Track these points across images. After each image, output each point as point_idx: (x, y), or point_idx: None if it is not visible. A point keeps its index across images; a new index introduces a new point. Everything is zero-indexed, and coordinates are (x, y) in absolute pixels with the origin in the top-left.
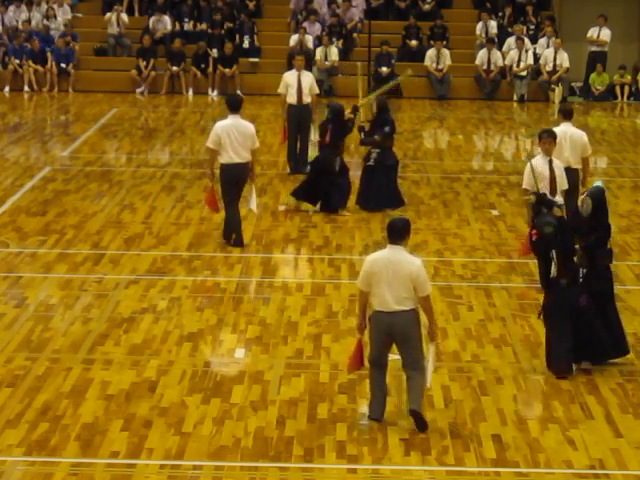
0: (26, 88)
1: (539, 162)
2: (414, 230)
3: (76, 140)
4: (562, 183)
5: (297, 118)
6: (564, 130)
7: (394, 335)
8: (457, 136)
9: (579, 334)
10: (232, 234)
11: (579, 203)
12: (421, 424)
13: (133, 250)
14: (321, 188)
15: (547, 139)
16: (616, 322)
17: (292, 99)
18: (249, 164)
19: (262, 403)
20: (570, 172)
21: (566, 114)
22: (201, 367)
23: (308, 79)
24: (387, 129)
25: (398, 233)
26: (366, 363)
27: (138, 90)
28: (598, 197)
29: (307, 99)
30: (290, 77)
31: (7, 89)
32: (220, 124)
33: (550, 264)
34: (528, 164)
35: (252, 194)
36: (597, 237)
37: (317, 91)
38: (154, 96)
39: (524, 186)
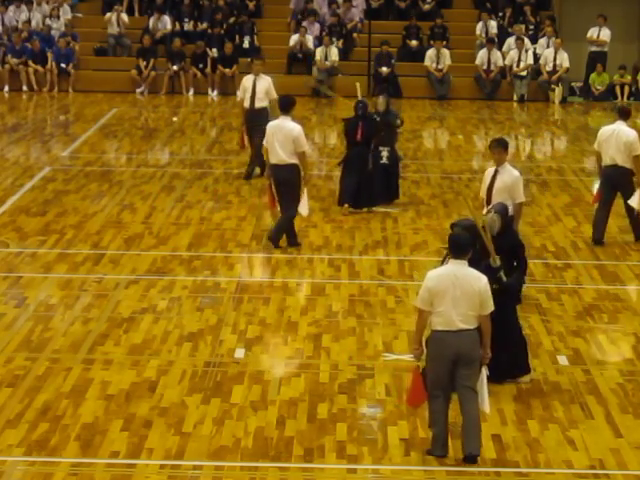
0: (24, 88)
1: (489, 171)
2: (414, 230)
3: (76, 140)
4: (512, 196)
5: (251, 123)
6: (613, 128)
7: (459, 356)
8: (457, 136)
9: None
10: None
11: (487, 220)
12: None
13: (133, 250)
14: (356, 185)
15: (496, 149)
16: (516, 339)
17: (247, 103)
18: (292, 166)
19: (262, 403)
20: (618, 170)
21: (622, 113)
22: (201, 367)
23: (264, 83)
24: (398, 121)
25: (463, 248)
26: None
27: (138, 90)
28: (506, 214)
29: (261, 103)
30: (247, 81)
31: (7, 89)
32: (270, 123)
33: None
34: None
35: (303, 197)
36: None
37: (275, 95)
38: (154, 96)
39: (481, 194)
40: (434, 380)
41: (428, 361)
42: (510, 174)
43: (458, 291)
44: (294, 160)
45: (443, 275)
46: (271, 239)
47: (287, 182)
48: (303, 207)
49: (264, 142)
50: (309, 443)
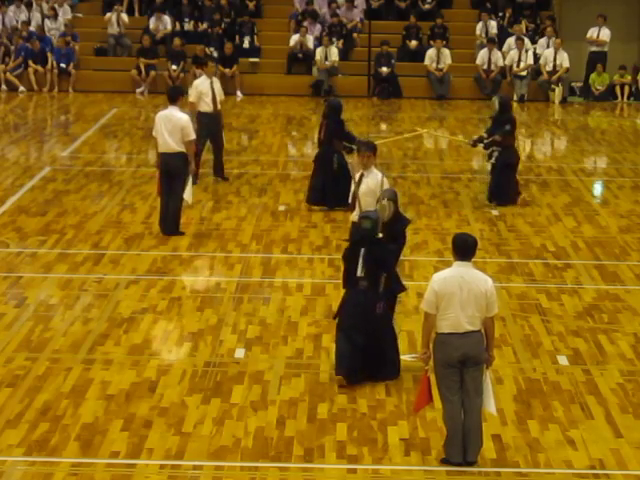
0: (21, 88)
1: (356, 175)
2: (414, 230)
3: (76, 140)
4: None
5: (211, 126)
6: None
7: (467, 358)
8: (457, 136)
9: (368, 342)
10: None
11: (378, 207)
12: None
13: (133, 250)
14: (321, 184)
15: (365, 152)
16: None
17: (207, 107)
18: (180, 155)
19: (262, 403)
20: None
21: None
22: (201, 367)
23: (218, 86)
24: (507, 127)
25: (469, 250)
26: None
27: (138, 90)
28: (397, 201)
29: (219, 106)
30: (203, 85)
31: (5, 88)
32: (159, 114)
33: (357, 262)
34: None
35: (187, 185)
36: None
37: (223, 97)
38: (154, 96)
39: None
40: (447, 384)
41: (436, 366)
42: (375, 178)
43: (465, 293)
44: (181, 148)
45: (449, 278)
46: (170, 232)
47: (175, 170)
48: (188, 194)
49: (153, 132)
50: (309, 443)
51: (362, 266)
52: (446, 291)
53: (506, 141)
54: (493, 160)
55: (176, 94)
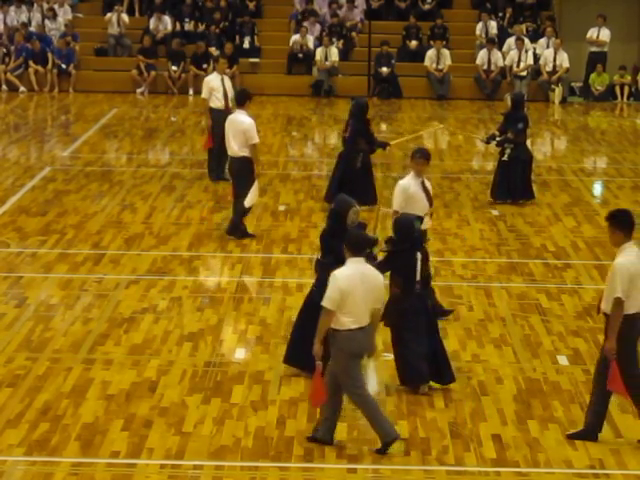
0: (22, 88)
1: (411, 183)
2: None
3: (76, 140)
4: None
5: (221, 123)
6: None
7: (369, 352)
8: (457, 136)
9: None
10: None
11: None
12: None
13: (133, 250)
14: (337, 182)
15: (420, 159)
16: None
17: (218, 104)
18: (241, 160)
19: (262, 403)
20: None
21: None
22: (201, 367)
23: (229, 82)
24: (520, 125)
25: (363, 245)
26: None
27: (138, 90)
28: None
29: (231, 103)
30: (214, 81)
31: (6, 88)
32: (228, 117)
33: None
34: (398, 185)
35: (252, 189)
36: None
37: (232, 94)
38: (154, 96)
39: (395, 208)
40: (354, 375)
41: (342, 359)
42: (429, 184)
43: (366, 287)
44: (245, 153)
45: (351, 275)
46: (228, 233)
47: (238, 174)
48: (248, 199)
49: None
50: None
51: (420, 270)
52: (350, 288)
53: (518, 138)
54: (506, 157)
55: (243, 97)
